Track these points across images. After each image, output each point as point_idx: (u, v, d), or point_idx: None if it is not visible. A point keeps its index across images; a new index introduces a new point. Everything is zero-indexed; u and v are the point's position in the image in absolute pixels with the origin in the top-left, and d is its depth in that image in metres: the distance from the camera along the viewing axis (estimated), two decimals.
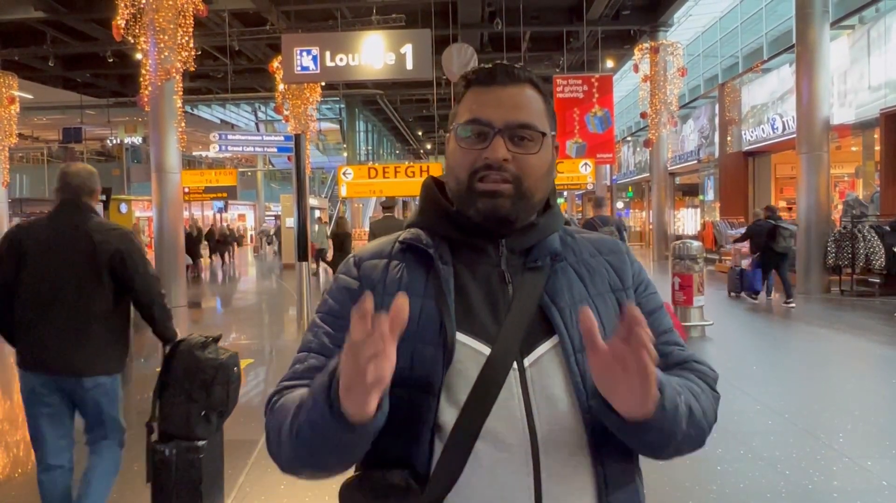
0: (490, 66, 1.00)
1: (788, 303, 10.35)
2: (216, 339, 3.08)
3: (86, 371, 2.73)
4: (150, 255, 14.28)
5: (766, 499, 3.53)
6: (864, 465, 4.00)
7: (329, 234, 15.67)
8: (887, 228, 11.22)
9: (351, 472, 0.98)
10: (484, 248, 0.99)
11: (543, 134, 0.98)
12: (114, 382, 2.84)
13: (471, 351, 0.92)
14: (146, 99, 12.16)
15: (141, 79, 12.26)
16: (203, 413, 2.84)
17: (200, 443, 2.83)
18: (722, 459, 4.07)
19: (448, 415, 0.90)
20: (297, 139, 10.84)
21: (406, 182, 20.26)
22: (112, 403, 2.84)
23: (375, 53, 10.14)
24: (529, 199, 0.97)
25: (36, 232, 2.81)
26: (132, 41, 12.15)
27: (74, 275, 2.73)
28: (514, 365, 0.92)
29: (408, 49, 10.10)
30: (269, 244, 34.41)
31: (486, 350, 0.92)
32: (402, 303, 0.78)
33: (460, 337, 0.93)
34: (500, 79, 0.98)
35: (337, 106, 34.89)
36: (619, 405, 0.85)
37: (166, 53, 11.93)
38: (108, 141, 33.95)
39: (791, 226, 11.06)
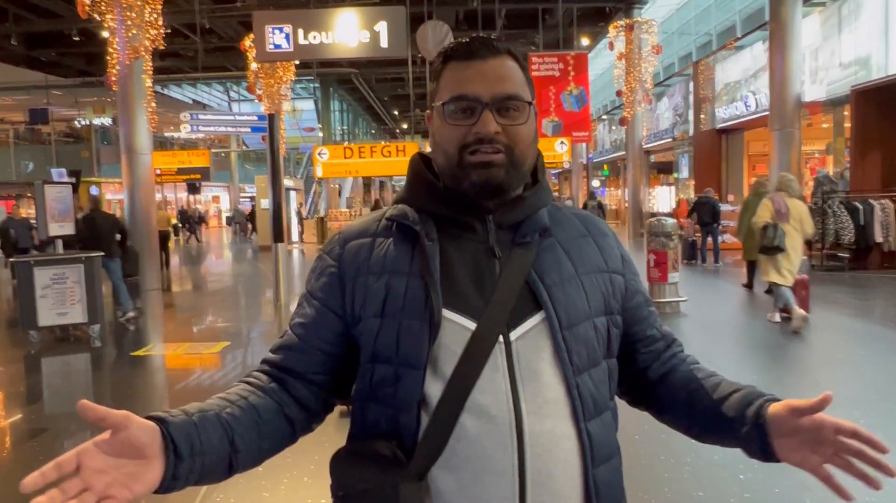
0: (467, 39, 1.00)
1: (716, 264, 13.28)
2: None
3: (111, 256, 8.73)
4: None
5: (739, 470, 3.61)
6: None
7: None
8: (857, 204, 11.43)
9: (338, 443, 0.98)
10: (471, 224, 1.00)
11: (529, 103, 0.99)
12: (117, 263, 8.89)
13: (456, 326, 0.93)
14: (114, 78, 11.89)
15: (108, 58, 11.97)
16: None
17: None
18: None
19: (434, 388, 0.91)
20: (271, 119, 10.69)
21: (382, 162, 20.10)
22: (116, 271, 8.84)
23: (349, 31, 9.99)
24: (520, 166, 0.99)
25: (98, 215, 8.82)
26: (98, 19, 11.83)
27: (110, 230, 8.85)
28: (501, 339, 0.93)
29: (382, 27, 9.96)
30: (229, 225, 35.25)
31: (472, 325, 0.93)
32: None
33: (446, 313, 0.93)
34: (480, 52, 0.98)
35: (311, 85, 34.45)
36: (784, 457, 0.94)
37: (134, 31, 11.64)
38: (77, 122, 33.19)
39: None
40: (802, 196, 8.37)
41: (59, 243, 7.97)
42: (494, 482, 0.89)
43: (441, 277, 0.95)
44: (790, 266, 7.07)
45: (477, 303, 0.94)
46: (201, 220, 33.18)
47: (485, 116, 0.95)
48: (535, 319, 0.95)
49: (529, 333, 0.94)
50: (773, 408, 0.94)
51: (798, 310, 6.89)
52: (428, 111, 1.05)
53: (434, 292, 0.93)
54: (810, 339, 6.84)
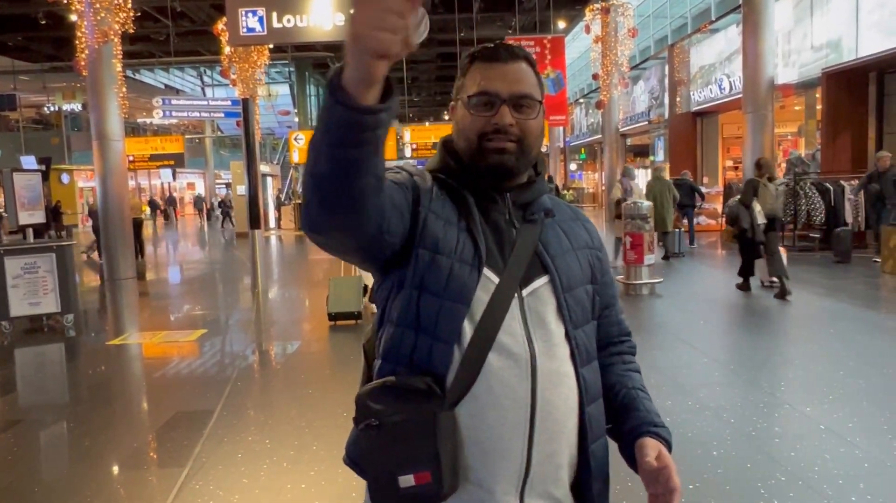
0: (493, 45, 1.20)
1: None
2: None
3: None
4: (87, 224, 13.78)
5: (712, 447, 3.69)
6: (803, 411, 4.20)
7: None
8: (828, 185, 11.62)
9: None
10: (495, 197, 1.18)
11: (539, 102, 1.18)
12: None
13: (486, 278, 1.11)
14: (83, 63, 11.64)
15: (77, 42, 11.71)
16: None
17: None
18: (671, 411, 4.23)
19: (466, 327, 1.08)
20: (246, 104, 10.56)
21: None
22: None
23: (324, 14, 9.85)
24: (528, 154, 1.17)
25: None
26: (65, 1, 11.56)
27: None
28: (516, 294, 1.12)
29: None
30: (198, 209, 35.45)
31: (496, 279, 1.11)
32: None
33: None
34: (503, 56, 1.17)
35: (286, 69, 34.03)
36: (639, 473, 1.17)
37: (102, 14, 11.39)
38: (46, 108, 32.48)
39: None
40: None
41: (30, 232, 7.84)
42: (512, 407, 1.07)
43: None
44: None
45: (499, 262, 1.13)
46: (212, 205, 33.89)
47: (502, 110, 1.14)
48: (542, 281, 1.15)
49: (538, 292, 1.14)
50: (640, 443, 1.18)
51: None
52: (452, 102, 1.23)
53: (482, 244, 1.12)
54: (783, 318, 6.98)
